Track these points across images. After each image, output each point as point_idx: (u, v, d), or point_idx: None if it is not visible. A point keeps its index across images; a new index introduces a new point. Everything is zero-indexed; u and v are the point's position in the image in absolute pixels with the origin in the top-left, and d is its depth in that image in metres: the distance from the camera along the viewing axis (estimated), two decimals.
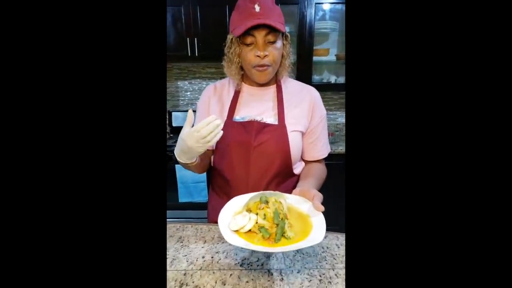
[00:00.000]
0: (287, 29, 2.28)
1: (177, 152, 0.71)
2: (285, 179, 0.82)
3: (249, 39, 0.72)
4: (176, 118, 2.32)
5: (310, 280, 0.57)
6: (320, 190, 0.82)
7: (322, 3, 1.92)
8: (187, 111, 2.40)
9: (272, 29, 0.71)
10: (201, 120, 0.85)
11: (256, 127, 0.77)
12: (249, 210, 0.61)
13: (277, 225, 0.57)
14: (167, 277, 0.58)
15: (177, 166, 1.91)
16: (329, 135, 2.24)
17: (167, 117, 2.36)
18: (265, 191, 0.63)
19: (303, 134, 0.82)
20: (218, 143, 0.79)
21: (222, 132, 0.64)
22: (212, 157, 0.87)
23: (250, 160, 0.77)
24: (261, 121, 0.78)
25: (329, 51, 2.07)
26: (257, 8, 0.69)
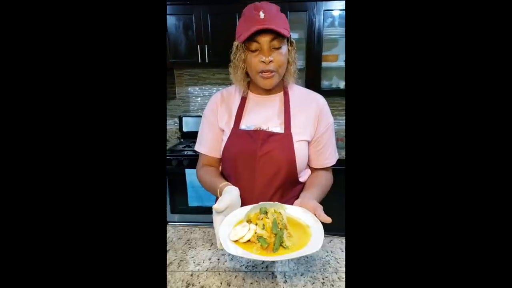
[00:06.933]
0: (295, 35, 2.26)
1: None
2: (291, 188, 0.83)
3: (254, 45, 0.73)
4: (187, 123, 2.37)
5: (313, 283, 0.58)
6: (328, 195, 0.82)
7: (331, 10, 1.94)
8: (197, 116, 2.42)
9: (276, 35, 0.72)
10: (208, 126, 0.87)
11: (262, 136, 0.78)
12: (249, 221, 0.62)
13: (276, 234, 0.58)
14: (175, 278, 0.60)
15: (187, 170, 1.95)
16: (338, 141, 2.21)
17: (178, 122, 2.41)
18: (265, 202, 0.64)
19: (309, 142, 0.82)
20: (225, 151, 0.81)
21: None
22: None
23: (256, 169, 0.78)
24: (267, 130, 0.79)
25: (338, 56, 2.08)
26: (261, 14, 0.71)
